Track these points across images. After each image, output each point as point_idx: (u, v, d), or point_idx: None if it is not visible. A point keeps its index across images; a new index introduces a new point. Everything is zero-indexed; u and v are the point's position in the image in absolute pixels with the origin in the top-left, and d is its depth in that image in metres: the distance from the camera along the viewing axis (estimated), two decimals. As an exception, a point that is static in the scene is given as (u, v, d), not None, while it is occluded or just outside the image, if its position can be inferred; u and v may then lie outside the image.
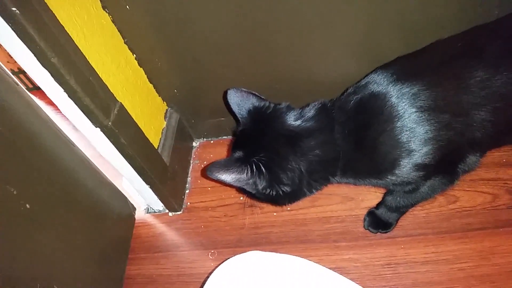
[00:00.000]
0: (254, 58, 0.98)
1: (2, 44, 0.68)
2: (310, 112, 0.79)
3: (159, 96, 1.10)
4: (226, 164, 0.75)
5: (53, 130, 0.89)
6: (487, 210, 0.97)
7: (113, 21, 0.91)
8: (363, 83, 0.78)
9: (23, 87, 0.84)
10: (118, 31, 0.93)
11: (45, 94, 0.77)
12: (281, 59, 0.98)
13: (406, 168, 0.74)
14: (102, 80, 0.82)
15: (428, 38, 0.80)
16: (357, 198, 1.02)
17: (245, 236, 1.01)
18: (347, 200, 1.02)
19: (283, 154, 0.76)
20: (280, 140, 0.76)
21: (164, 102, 1.12)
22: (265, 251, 0.94)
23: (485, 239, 0.93)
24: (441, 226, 0.96)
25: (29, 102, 0.84)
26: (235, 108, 0.84)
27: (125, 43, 0.95)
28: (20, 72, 1.54)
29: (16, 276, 0.70)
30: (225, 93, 0.84)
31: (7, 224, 0.70)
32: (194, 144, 1.24)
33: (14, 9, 0.62)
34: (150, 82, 1.05)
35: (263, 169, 0.75)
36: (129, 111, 0.90)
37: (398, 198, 0.89)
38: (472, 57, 0.72)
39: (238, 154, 0.77)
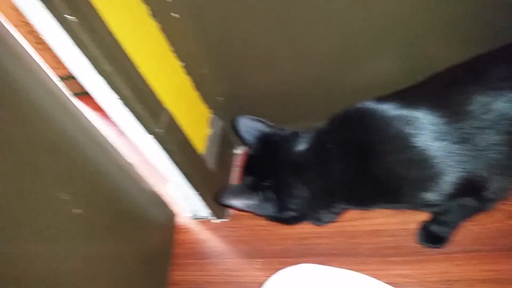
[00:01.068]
0: (297, 65, 0.96)
1: (57, 53, 0.70)
2: (309, 142, 0.80)
3: (204, 103, 1.10)
4: (237, 191, 0.81)
5: (96, 137, 0.90)
6: (554, 227, 0.90)
7: (161, 30, 0.92)
8: (356, 108, 0.76)
9: (68, 93, 0.85)
10: (166, 39, 0.94)
11: (91, 100, 0.79)
12: (324, 64, 0.95)
13: (420, 197, 0.72)
14: (153, 88, 0.83)
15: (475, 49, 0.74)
16: (409, 211, 0.97)
17: (291, 246, 0.98)
18: (399, 213, 0.98)
19: (290, 182, 0.79)
20: (287, 168, 0.80)
21: (209, 110, 1.12)
22: (314, 263, 0.92)
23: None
24: (500, 242, 0.89)
25: (73, 110, 0.85)
26: (244, 134, 0.88)
27: (172, 52, 0.96)
28: (66, 78, 1.59)
29: (64, 280, 0.71)
30: (233, 121, 0.89)
31: (57, 228, 0.71)
32: (237, 151, 1.23)
33: (72, 18, 0.63)
34: (196, 91, 1.06)
35: (272, 196, 0.80)
36: (177, 119, 0.91)
37: (446, 213, 0.85)
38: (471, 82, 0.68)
39: (248, 180, 0.83)
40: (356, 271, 0.90)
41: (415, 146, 0.67)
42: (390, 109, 0.71)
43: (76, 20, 0.63)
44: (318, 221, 0.89)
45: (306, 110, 1.06)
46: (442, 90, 0.71)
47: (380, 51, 0.90)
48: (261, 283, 0.92)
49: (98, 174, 0.86)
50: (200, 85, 1.06)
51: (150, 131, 0.83)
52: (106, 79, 0.72)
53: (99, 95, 0.76)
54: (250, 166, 0.87)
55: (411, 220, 0.96)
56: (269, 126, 0.87)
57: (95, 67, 0.69)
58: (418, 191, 0.72)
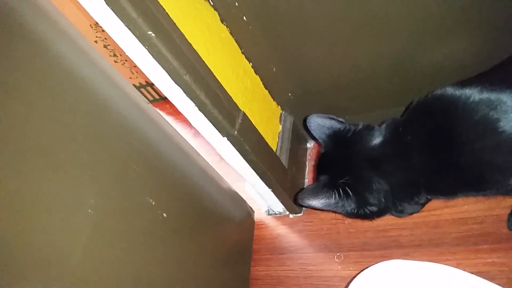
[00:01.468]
0: (369, 49, 0.93)
1: (137, 64, 0.74)
2: (384, 134, 0.79)
3: (274, 100, 1.11)
4: (315, 191, 0.81)
5: (177, 144, 0.95)
6: None
7: (231, 33, 0.94)
8: (437, 95, 0.72)
9: (146, 100, 0.90)
10: (236, 42, 0.96)
11: (165, 106, 0.83)
12: (399, 46, 0.91)
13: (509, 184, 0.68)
14: (227, 92, 0.86)
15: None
16: (496, 197, 0.92)
17: (371, 239, 0.97)
18: (485, 199, 0.92)
19: (367, 177, 0.78)
20: (362, 163, 0.79)
21: (279, 106, 1.14)
22: (396, 255, 0.91)
23: None
24: None
25: (152, 116, 0.90)
26: (316, 133, 0.87)
27: (242, 53, 0.98)
28: (143, 86, 1.70)
29: (154, 280, 0.76)
30: (305, 120, 0.88)
31: (148, 231, 0.76)
32: (308, 145, 1.24)
33: (150, 32, 0.67)
34: (266, 88, 1.07)
35: (350, 193, 0.79)
36: (250, 119, 0.93)
37: None
38: None
39: (324, 179, 0.83)
40: (443, 261, 0.88)
41: (502, 131, 0.63)
42: (473, 94, 0.67)
43: (153, 34, 0.67)
44: (400, 213, 0.87)
45: (381, 98, 1.03)
46: None
47: (458, 30, 0.85)
48: (342, 277, 0.93)
49: (182, 178, 0.91)
50: (270, 83, 1.08)
51: (226, 133, 0.86)
52: (183, 88, 0.75)
53: (178, 103, 0.80)
54: (324, 165, 0.87)
55: (499, 205, 0.90)
56: (340, 122, 0.85)
57: (172, 78, 0.73)
58: (507, 177, 0.68)
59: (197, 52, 0.78)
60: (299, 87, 1.07)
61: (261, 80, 1.05)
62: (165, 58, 0.71)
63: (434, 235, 0.91)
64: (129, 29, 0.67)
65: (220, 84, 0.84)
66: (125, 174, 0.73)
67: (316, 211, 1.08)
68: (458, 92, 0.69)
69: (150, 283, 0.75)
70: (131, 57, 0.73)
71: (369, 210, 0.81)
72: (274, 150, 1.06)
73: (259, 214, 1.14)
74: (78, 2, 0.65)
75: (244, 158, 0.93)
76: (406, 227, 0.95)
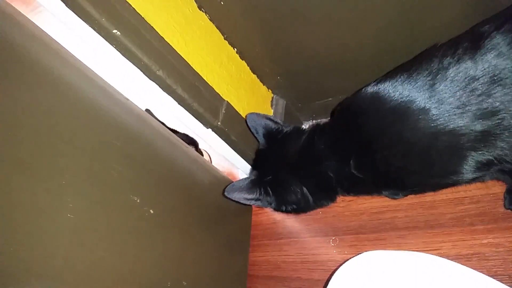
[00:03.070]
0: (357, 32, 0.89)
1: (109, 63, 0.73)
2: (303, 140, 0.83)
3: (264, 85, 1.09)
4: (240, 186, 0.85)
5: (165, 136, 0.94)
6: None
7: (210, 20, 0.91)
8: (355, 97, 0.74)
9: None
10: (217, 28, 0.93)
11: None
12: (387, 22, 0.86)
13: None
14: (207, 82, 0.84)
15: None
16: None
17: (366, 222, 0.95)
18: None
19: (286, 179, 0.83)
20: (284, 166, 0.84)
21: (269, 90, 1.11)
22: (391, 238, 0.90)
23: None
24: None
25: (132, 108, 0.89)
26: (253, 130, 0.91)
27: (225, 39, 0.96)
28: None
29: (147, 276, 0.77)
30: (246, 118, 0.92)
31: (134, 230, 0.76)
32: (303, 127, 1.21)
33: (115, 31, 0.66)
34: (253, 73, 1.05)
35: (270, 192, 0.85)
36: (236, 107, 0.92)
37: None
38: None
39: (253, 174, 0.88)
40: (439, 243, 0.87)
41: (407, 141, 0.65)
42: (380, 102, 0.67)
43: (119, 33, 0.65)
44: (394, 194, 0.85)
45: (371, 76, 0.98)
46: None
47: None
48: (337, 261, 0.92)
49: (171, 172, 0.91)
50: (258, 68, 1.05)
51: (209, 125, 0.85)
52: (158, 84, 0.74)
53: (155, 98, 0.79)
54: (256, 161, 0.93)
55: (495, 184, 0.87)
56: (275, 123, 0.90)
57: (146, 74, 0.72)
58: (425, 178, 0.70)
59: (170, 45, 0.77)
60: (288, 69, 1.04)
61: (248, 65, 1.03)
62: (135, 55, 0.69)
63: (429, 217, 0.89)
64: (94, 29, 0.66)
65: (199, 75, 0.82)
66: (105, 174, 0.73)
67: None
68: (370, 92, 0.70)
69: (141, 281, 0.76)
70: (102, 57, 0.72)
71: (289, 208, 0.86)
72: (266, 136, 1.04)
73: (256, 201, 1.14)
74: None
75: (232, 147, 0.93)
76: (401, 209, 0.93)
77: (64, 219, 0.64)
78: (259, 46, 0.98)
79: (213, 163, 1.16)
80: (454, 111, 0.60)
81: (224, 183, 1.09)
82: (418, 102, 0.62)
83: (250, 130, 0.92)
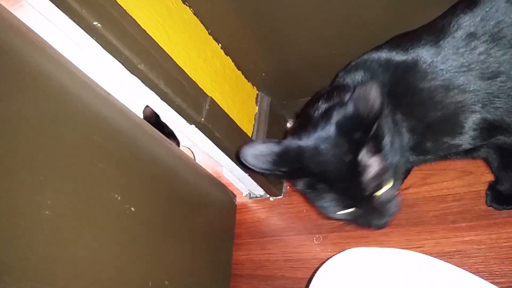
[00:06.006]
0: (342, 28, 0.89)
1: (90, 56, 0.71)
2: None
3: (249, 81, 1.08)
4: None
5: (148, 132, 0.93)
6: None
7: (195, 14, 0.90)
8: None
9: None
10: (201, 23, 0.92)
11: None
12: (368, 24, 0.87)
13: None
14: (191, 77, 0.83)
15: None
16: (477, 171, 0.89)
17: (350, 219, 0.95)
18: (465, 175, 0.90)
19: None
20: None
21: (254, 87, 1.10)
22: (374, 235, 0.90)
23: None
24: None
25: (116, 104, 0.87)
26: (257, 168, 0.66)
27: (209, 34, 0.94)
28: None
29: (127, 275, 0.75)
30: (238, 155, 0.69)
31: (115, 228, 0.75)
32: (288, 125, 1.21)
33: (95, 23, 0.64)
34: (238, 69, 1.04)
35: None
36: (220, 103, 0.90)
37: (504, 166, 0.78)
38: None
39: None
40: (422, 240, 0.87)
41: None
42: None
43: (99, 25, 0.63)
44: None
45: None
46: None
47: None
48: (321, 259, 0.92)
49: (154, 170, 0.89)
50: (243, 64, 1.04)
51: (192, 121, 0.83)
52: (140, 78, 0.72)
53: (137, 93, 0.77)
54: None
55: (478, 181, 0.88)
56: (278, 143, 0.66)
57: (127, 68, 0.70)
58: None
59: (153, 39, 0.75)
60: (273, 66, 1.04)
61: (233, 61, 1.01)
62: (116, 48, 0.67)
63: (412, 214, 0.90)
64: (74, 21, 0.63)
65: (183, 70, 0.81)
66: (86, 171, 0.71)
67: (296, 193, 1.06)
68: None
69: (122, 280, 0.74)
70: (82, 49, 0.70)
71: None
72: (250, 133, 1.03)
73: (241, 198, 1.13)
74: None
75: (216, 144, 0.91)
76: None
77: (42, 216, 0.62)
78: (244, 42, 0.97)
79: (197, 161, 1.14)
80: (459, 68, 0.61)
81: (208, 181, 1.08)
82: (425, 57, 0.63)
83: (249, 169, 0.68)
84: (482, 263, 0.80)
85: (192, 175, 1.01)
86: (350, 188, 0.63)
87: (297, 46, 0.95)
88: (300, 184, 0.69)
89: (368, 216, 0.67)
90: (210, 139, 0.89)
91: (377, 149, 0.62)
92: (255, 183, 1.04)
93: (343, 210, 0.66)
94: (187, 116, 0.82)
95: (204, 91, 0.86)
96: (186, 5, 0.87)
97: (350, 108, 0.59)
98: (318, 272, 0.61)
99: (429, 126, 0.67)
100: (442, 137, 0.68)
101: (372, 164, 0.62)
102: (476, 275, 0.79)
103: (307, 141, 0.64)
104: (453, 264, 0.77)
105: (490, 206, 0.85)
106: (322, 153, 0.62)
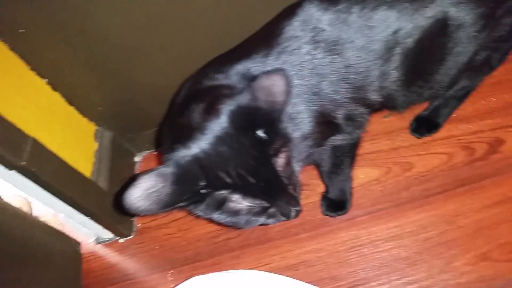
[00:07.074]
0: (177, 58, 0.90)
1: None
2: None
3: (84, 117, 1.00)
4: None
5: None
6: (445, 171, 0.94)
7: (11, 49, 0.81)
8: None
9: None
10: (20, 58, 0.83)
11: None
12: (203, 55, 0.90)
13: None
14: (6, 119, 0.73)
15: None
16: (312, 183, 0.97)
17: (202, 248, 0.94)
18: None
19: None
20: None
21: (92, 122, 1.03)
22: (226, 259, 0.90)
23: (447, 202, 0.90)
24: (400, 197, 0.93)
25: None
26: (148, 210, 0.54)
27: (31, 69, 0.86)
28: None
29: None
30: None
31: None
32: (136, 159, 1.16)
33: None
34: (71, 105, 0.96)
35: None
36: (47, 144, 0.81)
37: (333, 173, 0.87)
38: None
39: None
40: (269, 257, 0.90)
41: None
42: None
43: None
44: None
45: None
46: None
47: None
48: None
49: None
50: (75, 98, 0.96)
51: (11, 166, 0.73)
52: None
53: None
54: None
55: (314, 192, 0.96)
56: (167, 166, 0.55)
57: None
58: None
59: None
60: (110, 99, 0.98)
61: (63, 96, 0.93)
62: None
63: (259, 232, 0.93)
64: None
65: (-1, 111, 0.71)
66: None
67: (148, 230, 1.01)
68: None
69: None
70: None
71: None
72: (90, 172, 0.95)
73: (87, 245, 1.02)
74: None
75: (46, 190, 0.82)
76: (234, 229, 0.94)
77: None
78: (74, 75, 0.91)
79: (36, 211, 1.01)
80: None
81: (43, 232, 0.96)
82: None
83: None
84: (323, 270, 0.87)
85: (20, 227, 0.88)
86: (265, 187, 0.59)
87: (132, 77, 0.93)
88: (202, 208, 0.59)
89: (282, 210, 0.63)
90: (37, 184, 0.79)
91: (283, 142, 0.60)
92: (100, 226, 0.95)
93: (262, 213, 0.62)
94: (4, 160, 0.71)
95: (25, 131, 0.77)
96: (1, 39, 0.78)
97: (246, 98, 0.55)
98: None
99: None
100: None
101: (281, 155, 0.60)
102: (320, 282, 0.86)
103: (200, 146, 0.56)
104: (299, 276, 0.82)
105: (326, 215, 0.93)
106: (224, 155, 0.55)
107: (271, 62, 0.67)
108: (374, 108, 0.79)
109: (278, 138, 0.58)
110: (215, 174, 0.55)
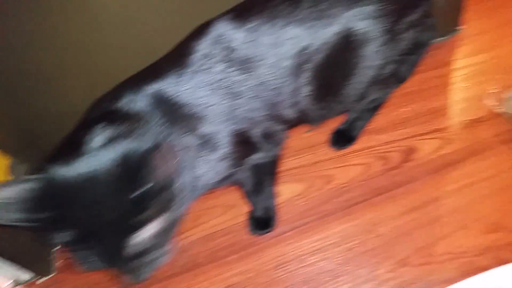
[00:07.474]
0: (86, 84, 0.86)
1: None
2: None
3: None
4: None
5: None
6: (363, 181, 0.99)
7: None
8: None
9: None
10: None
11: None
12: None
13: None
14: None
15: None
16: (238, 203, 0.97)
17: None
18: (229, 209, 0.98)
19: None
20: None
21: (4, 155, 0.96)
22: (153, 292, 0.86)
23: (366, 212, 0.94)
24: (323, 209, 0.95)
25: None
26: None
27: None
28: None
29: None
30: None
31: None
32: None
33: None
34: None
35: None
36: None
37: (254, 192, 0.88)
38: None
39: None
40: (197, 284, 0.89)
41: None
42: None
43: None
44: None
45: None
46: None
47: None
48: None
49: None
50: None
51: None
52: None
53: None
54: None
55: (240, 212, 0.97)
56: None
57: None
58: None
59: None
60: (16, 127, 0.92)
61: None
62: None
63: (187, 259, 0.91)
64: None
65: None
66: None
67: (70, 264, 0.95)
68: None
69: None
70: None
71: None
72: None
73: (5, 288, 0.94)
74: None
75: None
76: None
77: None
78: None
79: None
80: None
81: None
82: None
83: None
84: (253, 291, 0.87)
85: None
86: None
87: (38, 104, 0.88)
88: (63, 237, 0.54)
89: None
90: None
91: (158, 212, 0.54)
92: (15, 266, 0.89)
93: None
94: None
95: None
96: None
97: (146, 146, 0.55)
98: None
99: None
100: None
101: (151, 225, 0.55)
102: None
103: (79, 168, 0.53)
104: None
105: (253, 234, 0.94)
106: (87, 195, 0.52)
107: (185, 81, 0.66)
108: (291, 124, 0.81)
109: (153, 207, 0.53)
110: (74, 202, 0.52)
